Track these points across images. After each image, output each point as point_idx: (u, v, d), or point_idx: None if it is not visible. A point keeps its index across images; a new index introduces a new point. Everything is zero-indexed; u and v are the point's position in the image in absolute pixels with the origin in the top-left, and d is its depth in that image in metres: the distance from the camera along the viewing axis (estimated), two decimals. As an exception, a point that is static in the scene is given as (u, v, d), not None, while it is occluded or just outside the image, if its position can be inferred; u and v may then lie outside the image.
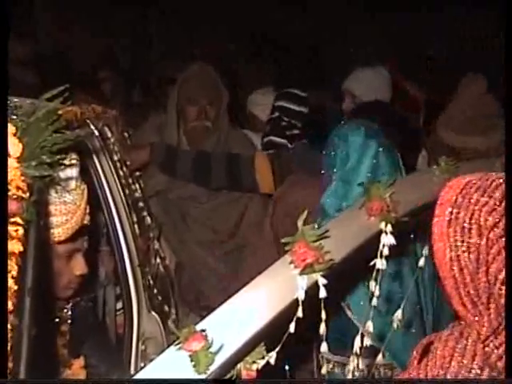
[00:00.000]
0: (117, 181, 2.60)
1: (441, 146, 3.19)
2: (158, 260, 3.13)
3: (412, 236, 1.87)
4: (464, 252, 1.20)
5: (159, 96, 4.31)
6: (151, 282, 2.78)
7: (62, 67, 4.69)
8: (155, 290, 2.81)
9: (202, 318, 1.42)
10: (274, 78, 6.01)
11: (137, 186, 3.05)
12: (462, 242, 1.20)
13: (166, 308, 2.94)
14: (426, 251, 1.78)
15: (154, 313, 2.67)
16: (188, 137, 3.53)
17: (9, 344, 1.25)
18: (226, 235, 3.51)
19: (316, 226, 1.43)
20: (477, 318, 1.22)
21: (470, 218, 1.20)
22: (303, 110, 3.81)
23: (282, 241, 1.43)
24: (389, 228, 1.59)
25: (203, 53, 6.17)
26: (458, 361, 1.21)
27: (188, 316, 3.44)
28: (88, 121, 2.40)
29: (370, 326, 1.69)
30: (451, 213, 1.23)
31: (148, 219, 3.07)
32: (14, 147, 1.54)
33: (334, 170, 2.33)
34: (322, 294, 1.43)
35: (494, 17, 5.97)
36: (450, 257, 1.22)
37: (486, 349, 1.21)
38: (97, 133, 2.50)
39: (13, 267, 1.35)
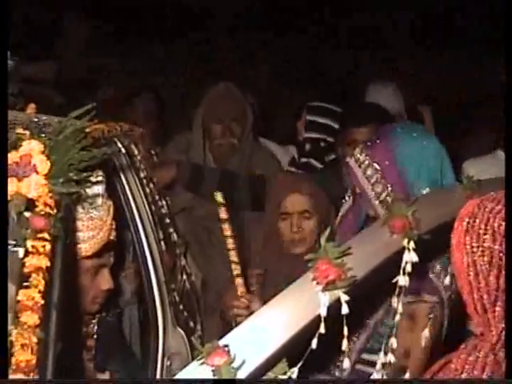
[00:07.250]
0: (143, 198, 2.62)
1: None
2: (185, 276, 3.14)
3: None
4: (480, 256, 1.25)
5: (185, 115, 4.35)
6: (177, 298, 2.80)
7: (90, 87, 4.76)
8: (181, 306, 2.82)
9: (226, 333, 1.44)
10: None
11: (163, 202, 3.06)
12: (478, 247, 1.25)
13: (192, 324, 2.95)
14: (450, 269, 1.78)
15: (179, 328, 2.68)
16: (214, 155, 3.56)
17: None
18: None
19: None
20: (485, 325, 1.26)
21: (486, 224, 1.26)
22: (335, 125, 3.61)
23: (306, 258, 1.44)
24: (411, 245, 1.59)
25: (229, 72, 6.21)
26: (469, 372, 1.24)
27: (213, 332, 3.43)
28: (115, 138, 2.43)
29: (393, 342, 1.69)
30: (468, 222, 1.28)
31: (174, 236, 3.08)
32: (42, 164, 1.58)
33: None
34: (345, 310, 1.43)
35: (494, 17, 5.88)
36: (468, 263, 1.27)
37: (497, 357, 1.24)
38: (123, 150, 2.53)
39: (40, 282, 1.38)
